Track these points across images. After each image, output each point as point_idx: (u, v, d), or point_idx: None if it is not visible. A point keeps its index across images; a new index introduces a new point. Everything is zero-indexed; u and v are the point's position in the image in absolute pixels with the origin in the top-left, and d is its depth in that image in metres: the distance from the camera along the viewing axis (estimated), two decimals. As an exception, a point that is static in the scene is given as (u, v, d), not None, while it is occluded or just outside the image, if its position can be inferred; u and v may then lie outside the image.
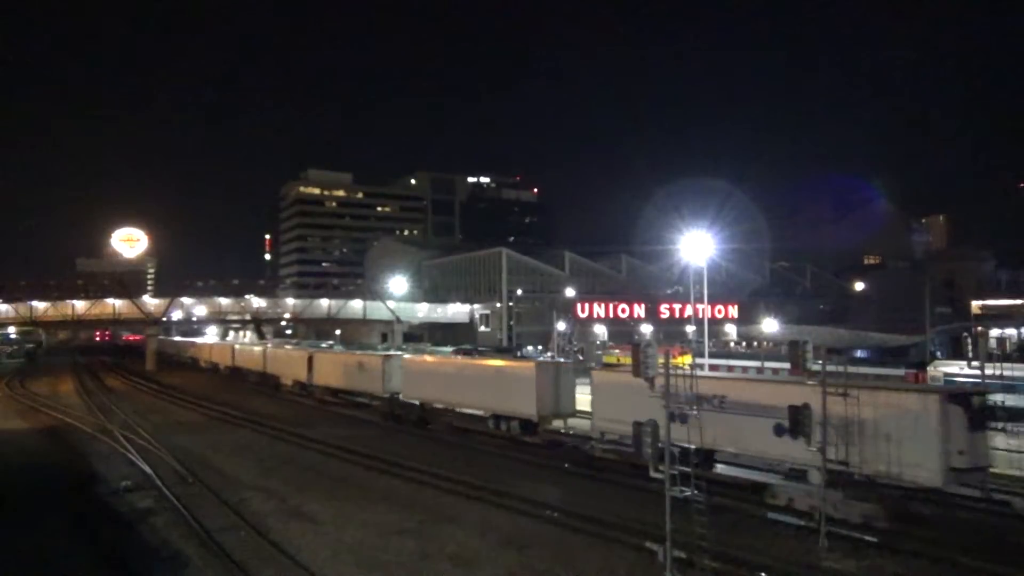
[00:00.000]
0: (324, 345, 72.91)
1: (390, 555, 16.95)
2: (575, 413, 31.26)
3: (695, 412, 15.57)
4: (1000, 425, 19.85)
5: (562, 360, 40.45)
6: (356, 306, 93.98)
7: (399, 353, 46.10)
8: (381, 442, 32.22)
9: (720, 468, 23.03)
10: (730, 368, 48.15)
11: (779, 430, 19.52)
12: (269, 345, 68.85)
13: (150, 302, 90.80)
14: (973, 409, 18.11)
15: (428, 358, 44.32)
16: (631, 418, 20.28)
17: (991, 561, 15.71)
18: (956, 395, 18.87)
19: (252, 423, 38.77)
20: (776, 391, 21.31)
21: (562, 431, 31.55)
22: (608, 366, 34.76)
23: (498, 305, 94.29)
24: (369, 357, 46.00)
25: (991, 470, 19.07)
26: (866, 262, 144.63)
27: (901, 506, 18.82)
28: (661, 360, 15.36)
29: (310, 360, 51.59)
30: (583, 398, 30.62)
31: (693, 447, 15.56)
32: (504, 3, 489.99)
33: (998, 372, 33.70)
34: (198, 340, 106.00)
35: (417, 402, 38.05)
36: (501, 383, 32.70)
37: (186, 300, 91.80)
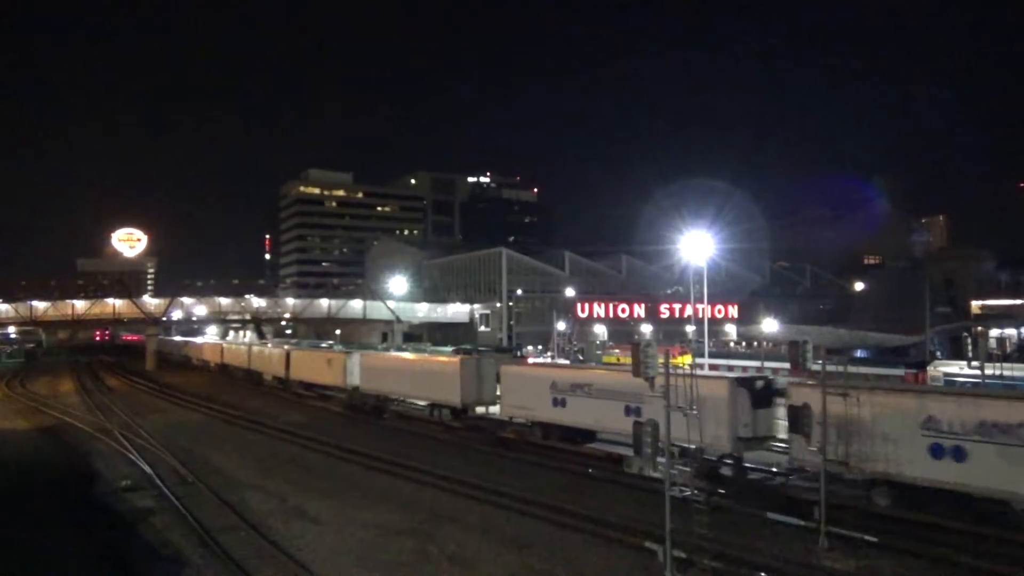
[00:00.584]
0: (323, 345, 73.05)
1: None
2: (495, 401, 34.04)
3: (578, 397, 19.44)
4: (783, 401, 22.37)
5: (485, 354, 44.99)
6: (356, 306, 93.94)
7: (361, 351, 50.06)
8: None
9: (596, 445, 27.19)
10: (730, 368, 48.13)
11: (627, 411, 23.95)
12: (255, 345, 71.62)
13: (150, 302, 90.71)
14: (756, 391, 22.11)
15: (383, 355, 49.67)
16: (531, 405, 28.77)
17: (989, 560, 15.74)
18: (742, 380, 22.85)
19: (249, 421, 38.87)
20: (627, 379, 23.92)
21: (485, 416, 34.90)
22: (505, 360, 39.25)
23: (498, 305, 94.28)
24: (335, 354, 49.87)
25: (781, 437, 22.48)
26: (866, 262, 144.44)
27: (712, 469, 22.45)
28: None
29: (287, 357, 55.04)
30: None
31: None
32: (505, 3, 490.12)
33: (998, 372, 33.76)
34: (195, 340, 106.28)
35: (374, 394, 42.05)
36: (434, 376, 36.68)
37: (186, 300, 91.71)
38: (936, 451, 18.09)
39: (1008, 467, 17.10)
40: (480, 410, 35.12)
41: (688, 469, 16.80)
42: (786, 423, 20.62)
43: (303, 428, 36.19)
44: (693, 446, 17.10)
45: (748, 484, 22.31)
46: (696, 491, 14.42)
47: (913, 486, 18.74)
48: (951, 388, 28.61)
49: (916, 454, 18.47)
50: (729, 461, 23.00)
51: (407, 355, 48.00)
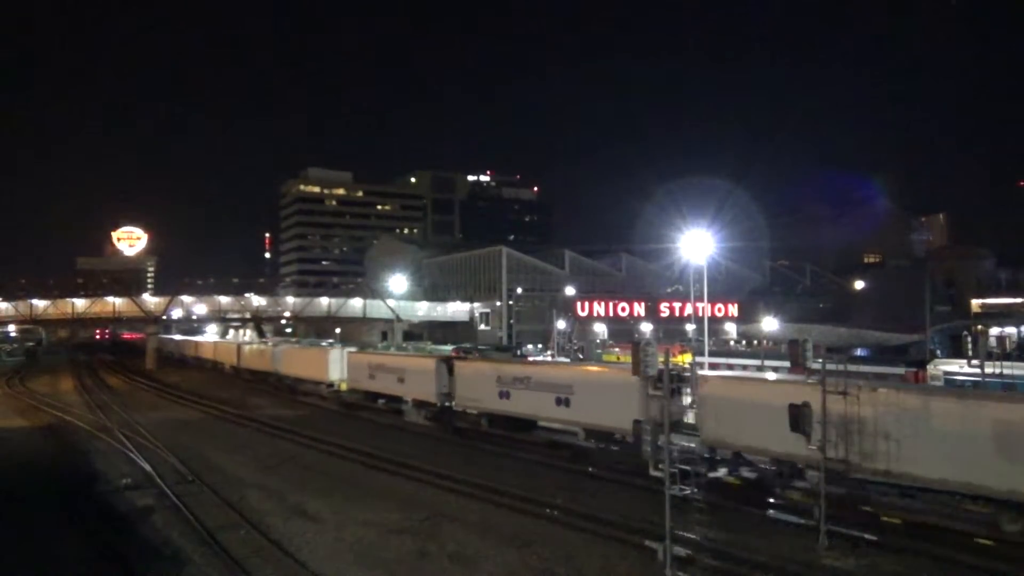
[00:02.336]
0: (324, 343, 73.20)
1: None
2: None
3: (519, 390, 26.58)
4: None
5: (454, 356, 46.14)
6: (356, 304, 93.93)
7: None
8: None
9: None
10: (730, 367, 48.12)
11: (557, 401, 28.42)
12: (243, 343, 78.40)
13: (150, 300, 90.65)
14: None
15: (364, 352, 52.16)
16: (481, 397, 32.75)
17: (989, 558, 15.75)
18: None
19: (248, 420, 38.92)
20: (558, 373, 30.87)
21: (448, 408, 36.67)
22: (461, 359, 40.29)
23: (498, 304, 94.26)
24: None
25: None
26: (866, 260, 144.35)
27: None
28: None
29: (275, 353, 60.86)
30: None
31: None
32: (504, 2, 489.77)
33: (998, 370, 33.75)
34: (192, 338, 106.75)
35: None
36: (419, 374, 38.01)
37: (186, 298, 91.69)
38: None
39: None
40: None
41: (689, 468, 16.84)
42: (693, 410, 23.66)
43: (302, 426, 36.26)
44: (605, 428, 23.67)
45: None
46: (694, 490, 14.41)
47: None
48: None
49: None
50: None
51: (392, 352, 54.45)
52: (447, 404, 35.22)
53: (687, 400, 23.38)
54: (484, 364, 37.25)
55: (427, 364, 37.36)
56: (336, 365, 46.54)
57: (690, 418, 23.89)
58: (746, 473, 22.61)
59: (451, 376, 34.93)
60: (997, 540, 16.79)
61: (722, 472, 22.63)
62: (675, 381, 22.67)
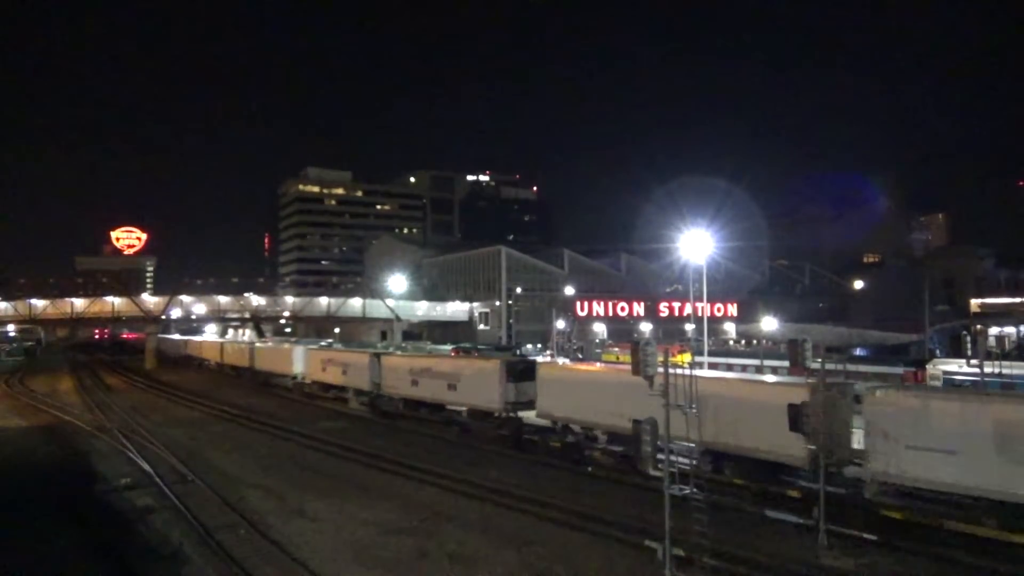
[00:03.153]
0: (323, 343, 73.33)
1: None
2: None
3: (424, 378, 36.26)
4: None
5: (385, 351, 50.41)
6: (355, 304, 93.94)
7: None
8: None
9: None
10: (729, 367, 48.08)
11: (449, 387, 35.00)
12: (225, 342, 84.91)
13: (149, 300, 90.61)
14: (516, 371, 31.51)
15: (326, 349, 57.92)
16: (399, 385, 39.37)
17: (989, 558, 15.75)
18: (509, 363, 32.98)
19: (247, 419, 38.90)
20: (448, 365, 38.12)
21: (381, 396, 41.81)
22: (389, 354, 47.24)
23: (497, 303, 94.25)
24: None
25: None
26: (865, 260, 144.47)
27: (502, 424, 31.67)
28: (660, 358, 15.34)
29: (251, 351, 66.94)
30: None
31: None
32: (504, 1, 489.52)
33: (997, 370, 33.71)
34: (188, 338, 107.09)
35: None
36: (358, 367, 43.47)
37: (185, 298, 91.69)
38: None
39: None
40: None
41: (687, 463, 16.86)
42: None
43: (301, 425, 36.24)
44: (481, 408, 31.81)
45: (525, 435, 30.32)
46: (694, 489, 14.41)
47: None
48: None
49: None
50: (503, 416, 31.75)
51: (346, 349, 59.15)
52: (378, 392, 41.12)
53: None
54: (403, 359, 43.04)
55: (363, 358, 43.55)
56: (299, 361, 52.77)
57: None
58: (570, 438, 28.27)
59: (380, 368, 40.93)
60: (995, 538, 16.78)
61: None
62: (527, 371, 31.23)
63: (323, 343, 75.12)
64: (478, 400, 32.93)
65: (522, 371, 31.60)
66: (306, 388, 51.24)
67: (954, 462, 17.22)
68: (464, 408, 34.47)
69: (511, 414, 31.25)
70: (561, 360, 49.62)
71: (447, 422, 35.31)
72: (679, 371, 15.18)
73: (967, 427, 17.27)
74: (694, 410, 15.05)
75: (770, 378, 30.05)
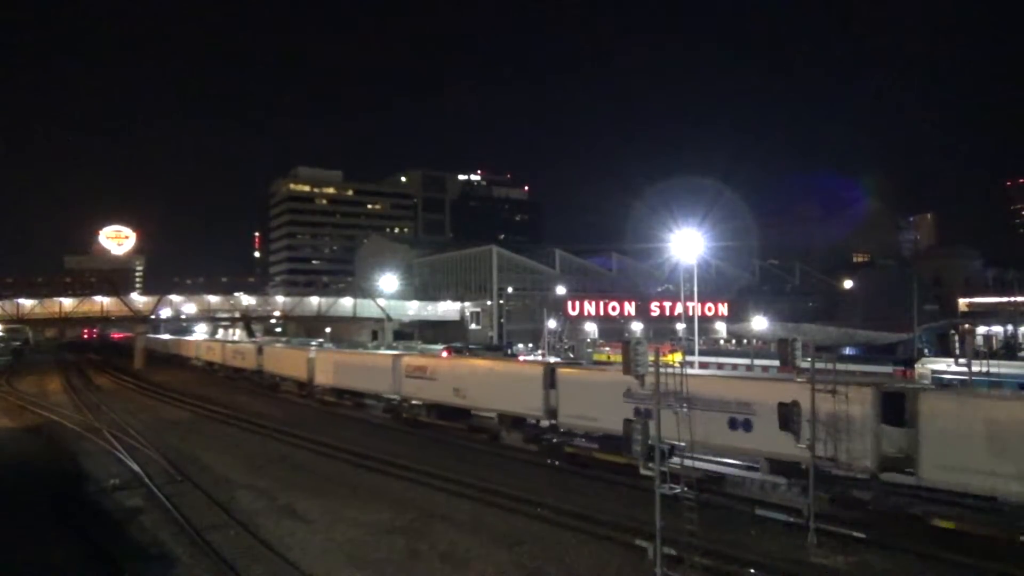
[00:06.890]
0: (315, 343, 73.27)
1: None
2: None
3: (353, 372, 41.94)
4: None
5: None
6: (346, 304, 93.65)
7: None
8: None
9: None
10: (719, 366, 48.30)
11: (387, 379, 37.57)
12: (201, 341, 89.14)
13: (138, 300, 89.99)
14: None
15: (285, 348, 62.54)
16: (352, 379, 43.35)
17: (974, 556, 15.86)
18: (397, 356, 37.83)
19: (237, 419, 38.76)
20: (371, 361, 42.73)
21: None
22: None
23: (489, 303, 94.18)
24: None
25: None
26: (855, 260, 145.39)
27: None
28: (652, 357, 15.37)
29: (222, 349, 73.36)
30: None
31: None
32: (499, 3, 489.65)
33: (984, 369, 34.00)
34: (176, 338, 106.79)
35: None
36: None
37: (175, 298, 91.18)
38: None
39: None
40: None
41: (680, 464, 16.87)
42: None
43: (291, 425, 36.11)
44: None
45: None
46: (684, 489, 14.44)
47: None
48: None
49: None
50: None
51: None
52: (313, 382, 46.38)
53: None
54: (337, 354, 49.29)
55: (300, 355, 50.39)
56: (259, 357, 59.81)
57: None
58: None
59: (311, 362, 47.24)
60: (986, 536, 16.90)
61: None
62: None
63: (314, 343, 75.00)
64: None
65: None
66: (266, 380, 55.05)
67: None
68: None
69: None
70: (553, 359, 49.47)
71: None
72: (670, 370, 15.20)
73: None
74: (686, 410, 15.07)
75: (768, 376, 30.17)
